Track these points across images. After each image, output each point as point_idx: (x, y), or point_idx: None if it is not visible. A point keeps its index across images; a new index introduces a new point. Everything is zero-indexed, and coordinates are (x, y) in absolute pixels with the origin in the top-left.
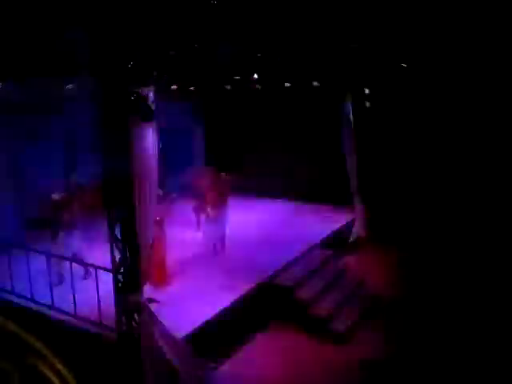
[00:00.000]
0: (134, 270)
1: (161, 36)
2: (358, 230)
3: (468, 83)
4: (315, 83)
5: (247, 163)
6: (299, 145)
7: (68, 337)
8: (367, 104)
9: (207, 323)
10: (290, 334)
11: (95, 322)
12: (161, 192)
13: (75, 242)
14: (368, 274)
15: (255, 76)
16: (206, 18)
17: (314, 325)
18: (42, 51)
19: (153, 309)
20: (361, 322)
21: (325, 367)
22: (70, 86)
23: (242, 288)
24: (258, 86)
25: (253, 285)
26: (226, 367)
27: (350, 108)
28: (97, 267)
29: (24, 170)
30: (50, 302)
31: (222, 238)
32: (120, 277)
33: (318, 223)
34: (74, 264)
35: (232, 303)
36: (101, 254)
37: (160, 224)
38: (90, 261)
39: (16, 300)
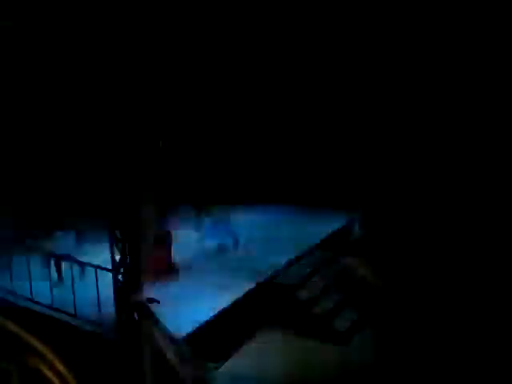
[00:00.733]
0: (134, 270)
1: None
2: (358, 230)
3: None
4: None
5: (247, 164)
6: (299, 145)
7: (68, 337)
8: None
9: (207, 323)
10: (290, 334)
11: (95, 322)
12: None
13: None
14: (368, 274)
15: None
16: None
17: (315, 325)
18: None
19: (153, 309)
20: (361, 322)
21: (325, 367)
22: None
23: (242, 288)
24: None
25: (253, 285)
26: (225, 367)
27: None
28: (97, 267)
29: None
30: (49, 302)
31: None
32: (120, 277)
33: (318, 223)
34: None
35: (232, 303)
36: None
37: None
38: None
39: (16, 300)
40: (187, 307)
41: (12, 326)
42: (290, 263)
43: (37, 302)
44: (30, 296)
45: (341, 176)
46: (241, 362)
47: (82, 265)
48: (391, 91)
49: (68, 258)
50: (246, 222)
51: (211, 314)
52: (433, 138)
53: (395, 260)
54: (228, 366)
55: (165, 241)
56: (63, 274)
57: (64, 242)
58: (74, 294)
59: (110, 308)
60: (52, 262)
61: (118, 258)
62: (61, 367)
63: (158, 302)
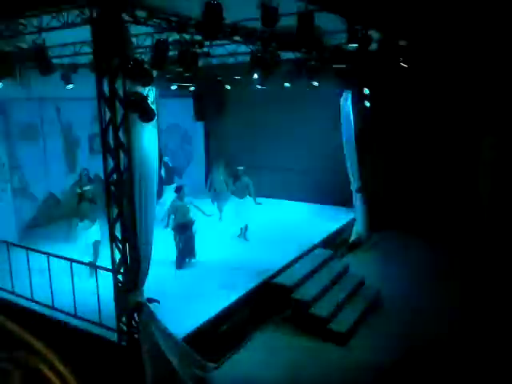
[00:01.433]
0: (134, 270)
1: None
2: (358, 230)
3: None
4: (315, 83)
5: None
6: (299, 144)
7: (68, 337)
8: (367, 104)
9: (207, 323)
10: (290, 335)
11: (95, 322)
12: None
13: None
14: (368, 273)
15: (255, 76)
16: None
17: (314, 325)
18: None
19: (153, 309)
20: (361, 322)
21: (325, 367)
22: (70, 86)
23: (242, 288)
24: (258, 86)
25: (253, 285)
26: (225, 367)
27: (351, 107)
28: (97, 267)
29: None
30: (50, 302)
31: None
32: (120, 277)
33: (318, 223)
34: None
35: (232, 303)
36: None
37: None
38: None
39: (16, 300)
40: (187, 307)
41: (12, 326)
42: (290, 263)
43: (37, 302)
44: (29, 296)
45: (341, 176)
46: (241, 361)
47: (83, 264)
48: None
49: (69, 258)
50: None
51: (211, 314)
52: (432, 136)
53: (395, 259)
54: (228, 365)
55: None
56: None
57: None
58: (74, 294)
59: (110, 308)
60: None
61: (118, 258)
62: (61, 367)
63: (158, 302)
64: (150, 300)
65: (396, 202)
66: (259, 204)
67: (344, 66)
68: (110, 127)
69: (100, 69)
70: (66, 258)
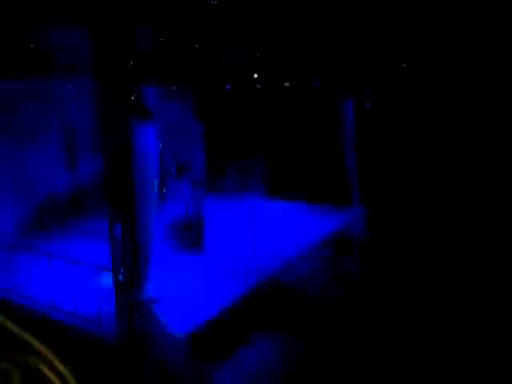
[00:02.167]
0: (134, 270)
1: (162, 36)
2: (358, 230)
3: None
4: (316, 83)
5: (246, 163)
6: (299, 144)
7: (68, 337)
8: (367, 104)
9: (207, 323)
10: (290, 334)
11: (95, 322)
12: None
13: None
14: (368, 273)
15: (255, 76)
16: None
17: (315, 325)
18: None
19: (153, 309)
20: (361, 321)
21: (325, 367)
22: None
23: (243, 288)
24: (257, 86)
25: (253, 285)
26: (226, 367)
27: (350, 107)
28: (97, 267)
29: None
30: (50, 302)
31: None
32: (120, 277)
33: (318, 223)
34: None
35: (232, 303)
36: None
37: None
38: None
39: (16, 300)
40: (187, 307)
41: (12, 326)
42: (290, 263)
43: (37, 302)
44: (30, 296)
45: (341, 175)
46: (241, 361)
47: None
48: None
49: (69, 258)
50: (245, 221)
51: (211, 314)
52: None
53: (395, 260)
54: (228, 365)
55: None
56: None
57: None
58: (73, 293)
59: (110, 308)
60: None
61: (118, 258)
62: (61, 367)
63: (158, 302)
64: (150, 300)
65: (396, 202)
66: None
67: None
68: (110, 128)
69: (102, 70)
70: (66, 258)
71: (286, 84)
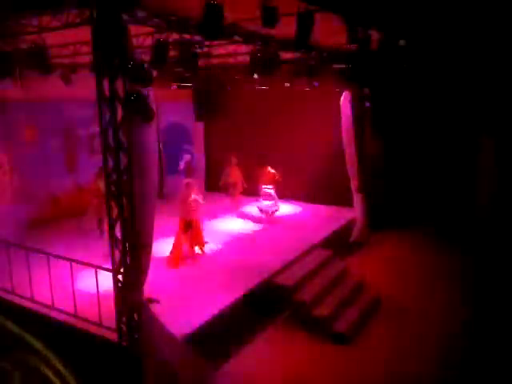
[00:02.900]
0: (134, 269)
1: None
2: (358, 230)
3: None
4: (315, 83)
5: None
6: (299, 144)
7: (68, 337)
8: (367, 104)
9: (207, 323)
10: (290, 335)
11: (95, 322)
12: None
13: None
14: (368, 273)
15: (255, 76)
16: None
17: (315, 325)
18: None
19: (153, 309)
20: (361, 322)
21: (325, 368)
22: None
23: (242, 288)
24: (258, 86)
25: (253, 285)
26: (226, 367)
27: (350, 106)
28: (97, 267)
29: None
30: (49, 302)
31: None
32: (120, 277)
33: (318, 223)
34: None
35: (232, 303)
36: None
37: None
38: None
39: (16, 300)
40: (187, 307)
41: (12, 326)
42: (289, 263)
43: (37, 302)
44: (29, 296)
45: (341, 175)
46: (241, 362)
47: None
48: None
49: (69, 258)
50: (245, 221)
51: (211, 314)
52: (432, 134)
53: (396, 259)
54: (228, 365)
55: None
56: None
57: None
58: (73, 293)
59: (110, 308)
60: None
61: (118, 257)
62: (61, 367)
63: (158, 302)
64: (150, 300)
65: (396, 201)
66: None
67: (344, 66)
68: (110, 127)
69: (100, 69)
70: (66, 258)
71: (287, 84)
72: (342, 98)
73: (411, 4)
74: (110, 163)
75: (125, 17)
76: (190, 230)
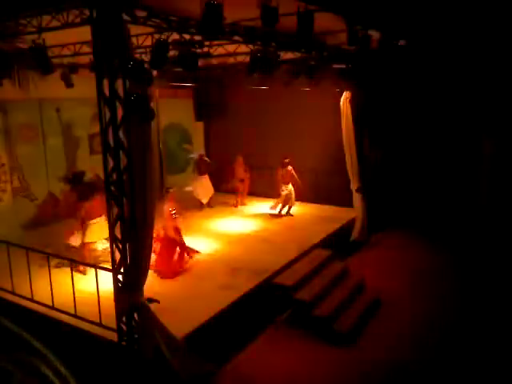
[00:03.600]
0: (134, 269)
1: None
2: (358, 230)
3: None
4: (315, 83)
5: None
6: (299, 144)
7: (68, 337)
8: (367, 103)
9: (207, 323)
10: (290, 335)
11: (95, 322)
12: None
13: None
14: (368, 273)
15: (255, 76)
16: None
17: (315, 325)
18: None
19: (153, 309)
20: (361, 322)
21: (326, 368)
22: (70, 86)
23: (242, 288)
24: (258, 87)
25: (253, 285)
26: (226, 367)
27: (350, 106)
28: (97, 267)
29: None
30: (49, 302)
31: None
32: (120, 277)
33: (318, 223)
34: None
35: (232, 303)
36: None
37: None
38: None
39: (16, 300)
40: (187, 307)
41: (12, 326)
42: (290, 263)
43: (37, 302)
44: (29, 296)
45: (341, 175)
46: (241, 362)
47: (84, 264)
48: None
49: (68, 258)
50: (245, 221)
51: (211, 314)
52: (433, 134)
53: (396, 259)
54: (228, 365)
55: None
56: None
57: None
58: (74, 293)
59: (110, 308)
60: None
61: (118, 257)
62: (61, 367)
63: (158, 302)
64: (150, 300)
65: (396, 201)
66: None
67: (344, 66)
68: (110, 127)
69: (100, 69)
70: (65, 258)
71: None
72: (342, 98)
73: (411, 4)
74: (110, 163)
75: (125, 17)
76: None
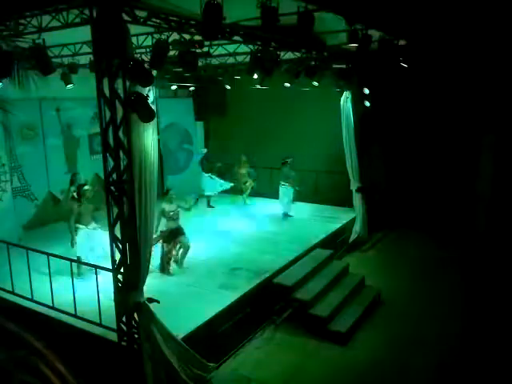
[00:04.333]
0: (134, 269)
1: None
2: (358, 230)
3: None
4: (315, 83)
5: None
6: (299, 144)
7: (68, 337)
8: (367, 103)
9: (207, 323)
10: (290, 335)
11: (95, 322)
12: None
13: None
14: (368, 273)
15: (255, 76)
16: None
17: (315, 325)
18: None
19: (153, 309)
20: (361, 322)
21: (325, 368)
22: (70, 86)
23: (242, 288)
24: (258, 86)
25: (253, 285)
26: (226, 367)
27: (351, 107)
28: (97, 267)
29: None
30: (50, 302)
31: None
32: (120, 277)
33: (318, 223)
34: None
35: (232, 303)
36: None
37: None
38: None
39: (16, 300)
40: (187, 307)
41: (12, 326)
42: (290, 263)
43: (37, 302)
44: (30, 296)
45: (341, 175)
46: (241, 362)
47: (84, 264)
48: None
49: (68, 258)
50: (245, 221)
51: (211, 314)
52: (433, 134)
53: (395, 259)
54: (228, 365)
55: None
56: None
57: None
58: (74, 293)
59: (110, 308)
60: None
61: (118, 257)
62: (61, 367)
63: (158, 302)
64: (150, 300)
65: (396, 201)
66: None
67: (344, 65)
68: (110, 127)
69: (100, 69)
70: (66, 258)
71: (287, 84)
72: (342, 98)
73: (411, 4)
74: (110, 163)
75: (125, 17)
76: (173, 240)
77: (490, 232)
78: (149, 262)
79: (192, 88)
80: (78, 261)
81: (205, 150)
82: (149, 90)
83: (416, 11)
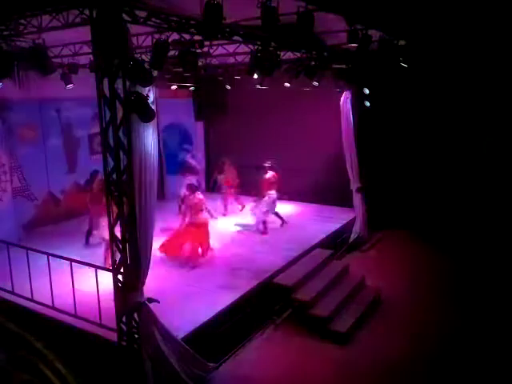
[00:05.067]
0: (134, 270)
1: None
2: (358, 230)
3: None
4: (315, 83)
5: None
6: (299, 144)
7: (68, 337)
8: (367, 103)
9: (207, 323)
10: (290, 335)
11: (95, 321)
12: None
13: None
14: (368, 273)
15: (255, 76)
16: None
17: (315, 325)
18: None
19: (153, 309)
20: (361, 322)
21: (325, 367)
22: (70, 86)
23: (242, 288)
24: (258, 86)
25: (253, 285)
26: (226, 367)
27: (350, 106)
28: (97, 267)
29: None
30: (49, 302)
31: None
32: (120, 277)
33: (318, 223)
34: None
35: (232, 303)
36: None
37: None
38: None
39: (16, 300)
40: (187, 307)
41: (12, 326)
42: (289, 263)
43: (37, 302)
44: (29, 296)
45: (341, 175)
46: (241, 361)
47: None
48: None
49: (68, 258)
50: (245, 221)
51: (211, 314)
52: (433, 134)
53: (395, 259)
54: (228, 365)
55: None
56: None
57: None
58: (73, 293)
59: (110, 308)
60: None
61: (118, 257)
62: (61, 367)
63: (158, 302)
64: (150, 300)
65: (396, 201)
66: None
67: (344, 65)
68: (110, 127)
69: (100, 69)
70: (66, 258)
71: (287, 84)
72: (342, 98)
73: (411, 4)
74: (110, 163)
75: (125, 17)
76: (197, 232)
77: (490, 233)
78: (149, 262)
79: (192, 88)
80: (78, 261)
81: (190, 147)
82: (149, 90)
83: (416, 11)
